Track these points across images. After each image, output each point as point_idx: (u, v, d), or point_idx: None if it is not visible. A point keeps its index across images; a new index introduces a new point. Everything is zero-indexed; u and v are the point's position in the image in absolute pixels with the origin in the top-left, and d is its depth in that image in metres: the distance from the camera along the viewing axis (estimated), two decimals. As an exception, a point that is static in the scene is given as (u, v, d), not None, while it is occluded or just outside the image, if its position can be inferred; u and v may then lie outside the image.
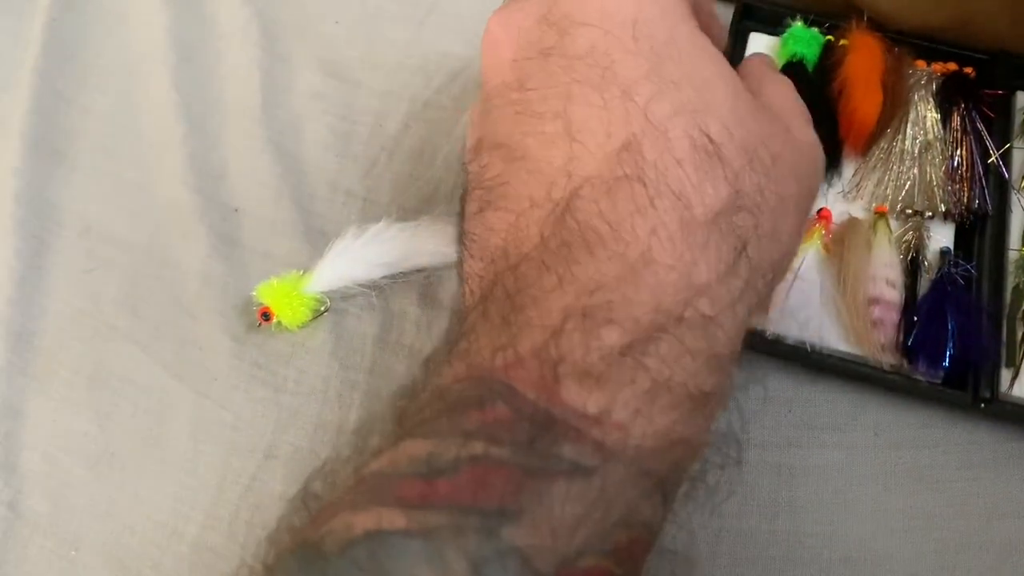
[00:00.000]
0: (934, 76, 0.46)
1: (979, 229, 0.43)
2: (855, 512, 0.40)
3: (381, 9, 0.56)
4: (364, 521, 0.23)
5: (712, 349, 0.27)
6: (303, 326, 0.45)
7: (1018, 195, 0.43)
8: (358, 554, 0.22)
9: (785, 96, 0.34)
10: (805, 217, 0.32)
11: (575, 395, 0.25)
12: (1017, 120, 0.45)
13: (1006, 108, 0.45)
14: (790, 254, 0.31)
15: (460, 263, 0.32)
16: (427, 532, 0.22)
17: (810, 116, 0.33)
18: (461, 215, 0.32)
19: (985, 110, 0.45)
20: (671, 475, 0.26)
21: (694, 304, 0.27)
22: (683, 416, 0.26)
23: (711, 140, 0.28)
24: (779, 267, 0.31)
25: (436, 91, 0.52)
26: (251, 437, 0.43)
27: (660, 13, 0.30)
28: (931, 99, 0.45)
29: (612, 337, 0.25)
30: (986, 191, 0.43)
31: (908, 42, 0.46)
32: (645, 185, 0.27)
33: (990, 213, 0.43)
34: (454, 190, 0.48)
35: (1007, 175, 0.44)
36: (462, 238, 0.32)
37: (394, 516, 0.23)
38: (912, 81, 0.46)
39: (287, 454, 0.42)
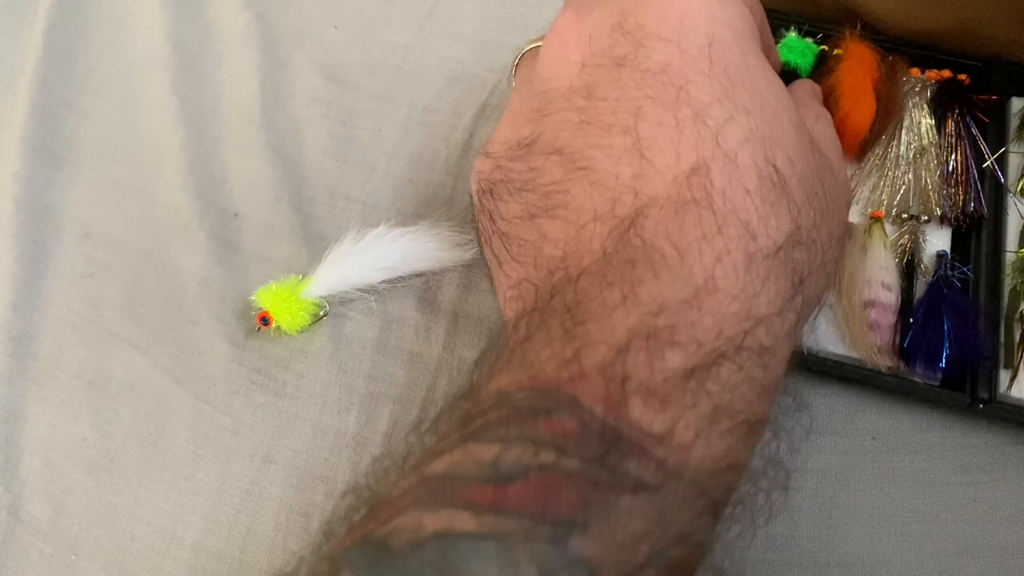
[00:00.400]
0: (928, 83, 0.46)
1: (975, 232, 0.43)
2: (853, 516, 0.40)
3: (380, 13, 0.56)
4: (434, 522, 0.23)
5: (766, 379, 0.27)
6: (302, 331, 0.45)
7: (1015, 198, 0.44)
8: (429, 554, 0.22)
9: (828, 132, 0.34)
10: (842, 253, 0.32)
11: (641, 414, 0.25)
12: (1013, 124, 0.45)
13: (1000, 113, 0.45)
14: (829, 288, 0.31)
15: (495, 263, 0.32)
16: (498, 537, 0.23)
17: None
18: (484, 212, 0.32)
19: (979, 115, 0.45)
20: (722, 498, 0.27)
21: (753, 334, 0.27)
22: (737, 442, 0.26)
23: (777, 171, 0.29)
24: (822, 299, 0.31)
25: (435, 96, 0.52)
26: (250, 442, 0.43)
27: (734, 38, 0.30)
28: (925, 106, 0.45)
29: (676, 360, 0.25)
30: (982, 195, 0.43)
31: (902, 50, 0.46)
32: (713, 212, 0.27)
33: (985, 216, 0.43)
34: (453, 195, 0.48)
35: (1003, 179, 0.44)
36: (499, 239, 0.31)
37: (464, 519, 0.23)
38: (906, 88, 0.46)
39: (286, 459, 0.42)
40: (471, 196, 0.35)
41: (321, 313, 0.45)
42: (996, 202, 0.43)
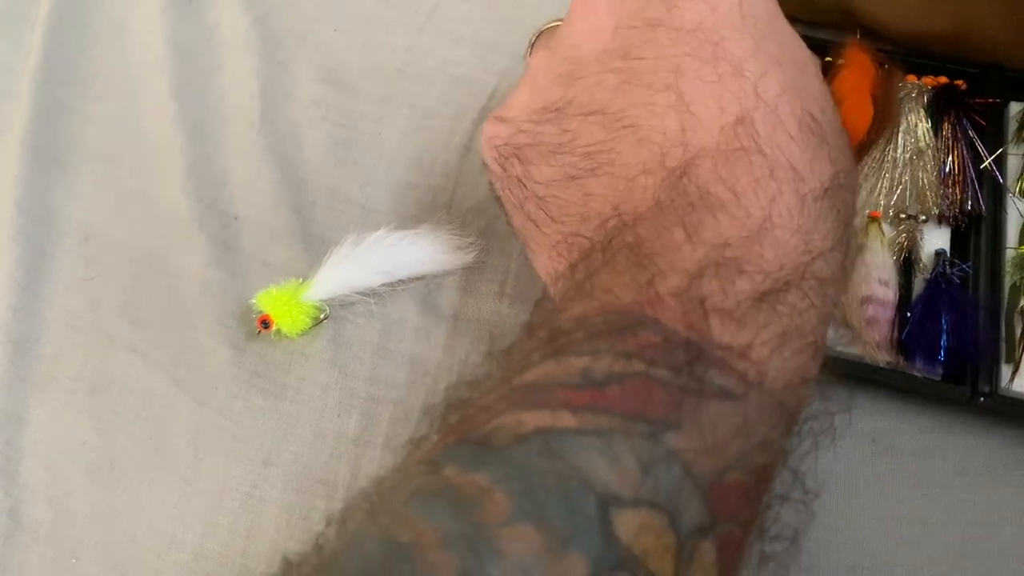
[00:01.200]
0: (925, 89, 0.46)
1: (974, 230, 0.43)
2: (854, 519, 0.40)
3: (380, 16, 0.56)
4: (534, 419, 0.24)
5: (825, 308, 0.29)
6: (302, 334, 0.45)
7: (1014, 197, 0.44)
8: (533, 445, 0.24)
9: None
10: None
11: (719, 331, 0.26)
12: (1011, 127, 0.45)
13: (998, 116, 0.46)
14: None
15: (531, 227, 0.33)
16: (598, 432, 0.24)
17: None
18: (512, 178, 0.33)
19: (976, 119, 0.45)
20: (796, 410, 0.28)
21: (812, 267, 0.28)
22: (808, 360, 0.28)
23: (814, 119, 0.30)
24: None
25: (435, 99, 0.52)
26: (251, 445, 0.43)
27: None
28: (922, 110, 0.46)
29: (746, 285, 0.27)
30: (980, 194, 0.44)
31: (899, 57, 0.46)
32: (764, 156, 0.29)
33: (984, 215, 0.43)
34: (453, 198, 0.48)
35: (1001, 179, 0.44)
36: (534, 203, 0.33)
37: (564, 417, 0.24)
38: (903, 94, 0.46)
39: (287, 462, 0.42)
40: (485, 162, 0.36)
41: (321, 316, 0.45)
42: (995, 201, 0.44)
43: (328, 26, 0.56)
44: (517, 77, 0.52)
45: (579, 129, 0.32)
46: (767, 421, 0.27)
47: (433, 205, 0.48)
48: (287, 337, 0.45)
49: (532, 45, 0.38)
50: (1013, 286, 0.42)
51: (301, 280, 0.45)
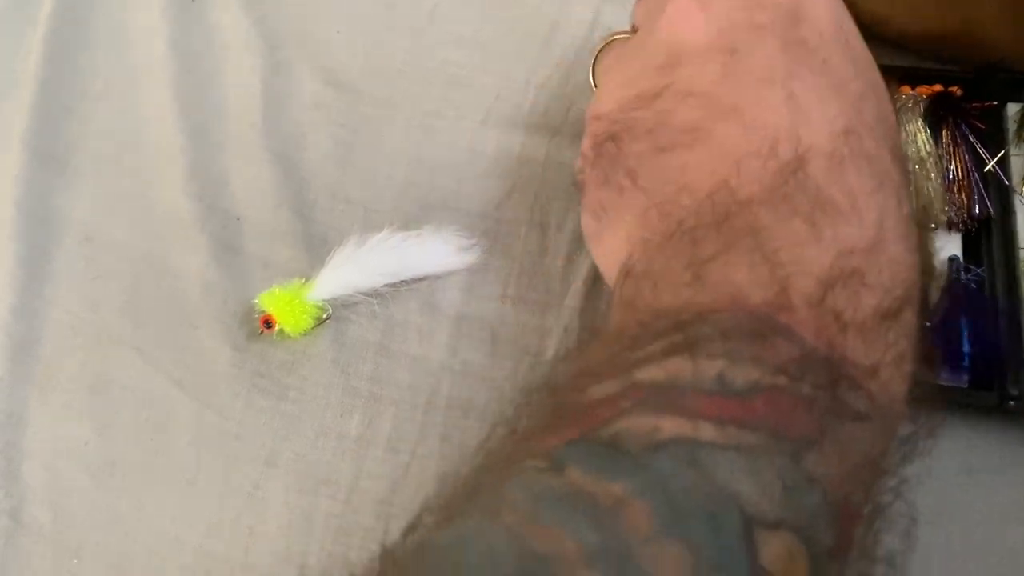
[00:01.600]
0: (920, 99, 0.46)
1: (985, 235, 0.44)
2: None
3: (381, 18, 0.56)
4: (671, 426, 0.23)
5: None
6: (305, 334, 0.45)
7: (1021, 198, 0.44)
8: (675, 455, 0.23)
9: None
10: None
11: (852, 349, 0.26)
12: (1011, 129, 0.45)
13: (997, 119, 0.46)
14: None
15: (614, 197, 0.33)
16: (742, 448, 0.23)
17: None
18: (604, 156, 0.34)
19: (975, 123, 0.45)
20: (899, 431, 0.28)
21: (919, 285, 0.29)
22: (911, 383, 0.28)
23: (899, 149, 0.31)
24: None
25: (437, 100, 0.52)
26: (253, 445, 0.43)
27: (848, 19, 0.33)
28: (919, 120, 0.46)
29: (872, 300, 0.27)
30: (987, 198, 0.44)
31: (891, 69, 0.46)
32: (873, 169, 0.29)
33: (992, 217, 0.43)
34: (456, 199, 0.48)
35: (1007, 180, 0.44)
36: (624, 173, 0.33)
37: (705, 427, 0.23)
38: (899, 105, 0.46)
39: (289, 462, 0.42)
40: (584, 153, 0.36)
41: (324, 316, 0.45)
42: (1003, 203, 0.44)
43: (329, 27, 0.56)
44: (517, 78, 0.52)
45: (674, 109, 0.32)
46: (886, 443, 0.26)
47: (436, 206, 0.48)
48: (289, 337, 0.44)
49: (597, 56, 0.39)
50: None
51: (303, 280, 0.45)
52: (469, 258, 0.46)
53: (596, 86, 0.38)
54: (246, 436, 0.43)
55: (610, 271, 0.34)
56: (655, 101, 0.32)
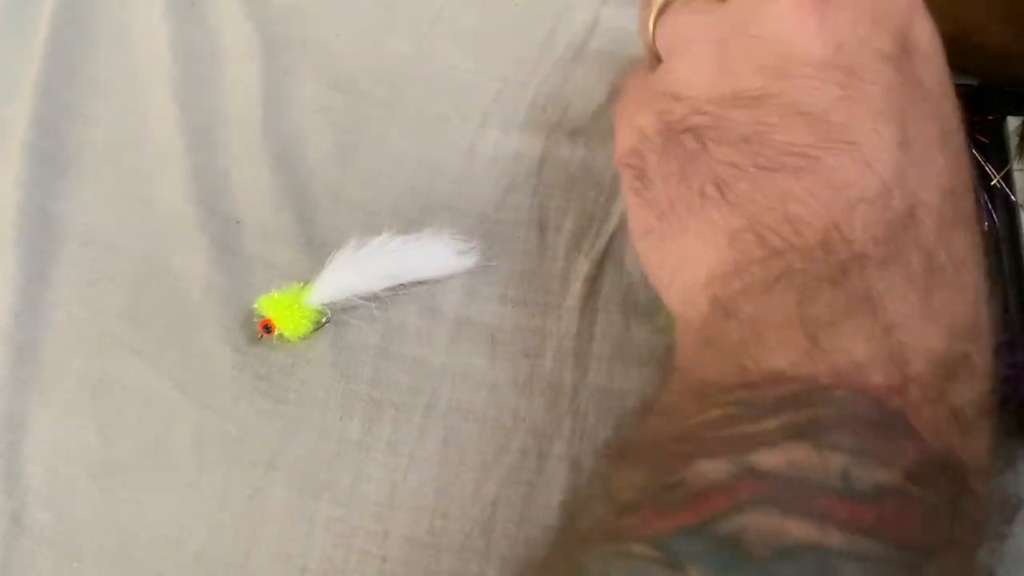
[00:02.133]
0: None
1: (994, 250, 0.43)
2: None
3: (383, 21, 0.56)
4: (798, 530, 0.22)
5: None
6: (304, 338, 0.45)
7: None
8: (803, 564, 0.21)
9: None
10: None
11: (963, 448, 0.25)
12: (1012, 143, 0.45)
13: (998, 132, 0.46)
14: None
15: (694, 206, 0.30)
16: (869, 559, 0.22)
17: None
18: (679, 149, 0.31)
19: (978, 137, 0.45)
20: None
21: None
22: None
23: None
24: None
25: (438, 103, 0.52)
26: (253, 448, 0.43)
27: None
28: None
29: (976, 389, 0.25)
30: (994, 213, 0.43)
31: None
32: (969, 233, 0.28)
33: (1000, 234, 0.43)
34: (456, 202, 0.49)
35: (1013, 196, 0.44)
36: (711, 181, 0.30)
37: (833, 533, 0.22)
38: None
39: (289, 465, 0.42)
40: (644, 133, 0.33)
41: (323, 320, 0.45)
42: (1009, 220, 0.43)
43: (331, 30, 0.56)
44: (516, 80, 0.53)
45: (781, 124, 0.29)
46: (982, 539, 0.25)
47: (436, 209, 0.48)
48: (289, 341, 0.45)
49: (655, 19, 0.35)
50: None
51: (303, 284, 0.45)
52: (468, 261, 0.46)
53: (659, 53, 0.35)
54: (247, 439, 0.43)
55: (674, 282, 0.31)
56: (756, 107, 0.29)
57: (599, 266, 0.46)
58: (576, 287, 0.45)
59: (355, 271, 0.44)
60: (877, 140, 0.28)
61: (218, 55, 0.55)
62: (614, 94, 0.51)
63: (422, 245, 0.45)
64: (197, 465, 0.43)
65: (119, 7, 0.58)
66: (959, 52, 0.46)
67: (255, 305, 0.44)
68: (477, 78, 0.53)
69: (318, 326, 0.45)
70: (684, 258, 0.31)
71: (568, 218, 0.48)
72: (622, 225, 0.47)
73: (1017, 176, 0.45)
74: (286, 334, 0.44)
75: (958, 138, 0.29)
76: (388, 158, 0.51)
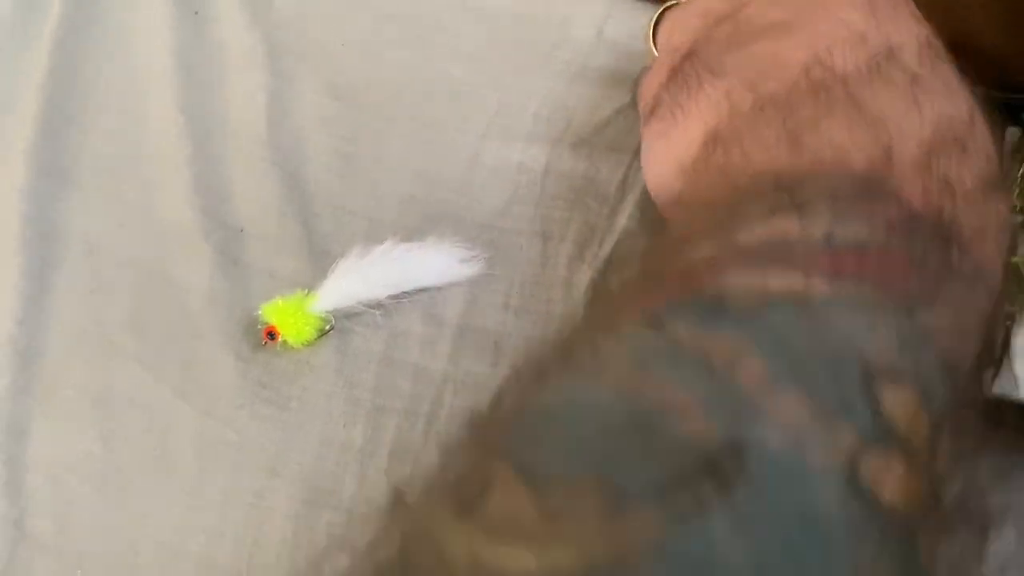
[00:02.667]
0: None
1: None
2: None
3: (384, 32, 0.56)
4: (782, 282, 0.23)
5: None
6: (308, 345, 0.45)
7: None
8: (787, 308, 0.22)
9: None
10: None
11: (959, 212, 0.26)
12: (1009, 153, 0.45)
13: (998, 143, 0.46)
14: None
15: (692, 86, 0.33)
16: (857, 302, 0.22)
17: None
18: (686, 61, 0.34)
19: None
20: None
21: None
22: (1004, 253, 0.28)
23: None
24: None
25: (439, 112, 0.53)
26: (256, 455, 0.43)
27: None
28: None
29: (973, 168, 0.27)
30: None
31: None
32: (952, 69, 0.30)
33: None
34: (458, 211, 0.49)
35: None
36: (702, 67, 0.33)
37: (817, 283, 0.23)
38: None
39: (292, 472, 0.42)
40: (660, 83, 0.36)
41: (327, 327, 0.45)
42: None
43: (334, 40, 0.56)
44: (519, 90, 0.53)
45: (758, 12, 0.32)
46: (989, 308, 0.26)
47: (438, 218, 0.48)
48: (292, 348, 0.45)
49: (655, 24, 0.40)
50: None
51: (306, 291, 0.45)
52: (471, 270, 0.46)
53: (656, 50, 0.39)
54: (249, 446, 0.43)
55: (674, 155, 0.33)
56: (736, 15, 0.33)
57: (601, 275, 0.46)
58: (578, 295, 0.46)
59: (359, 279, 0.45)
60: (845, 7, 0.31)
61: (221, 64, 0.56)
62: (618, 109, 0.51)
63: (425, 253, 0.45)
64: (199, 472, 0.43)
65: (122, 18, 0.58)
66: (957, 60, 0.47)
67: (259, 312, 0.44)
68: (480, 89, 0.53)
69: (322, 333, 0.45)
70: (684, 130, 0.33)
71: (571, 228, 0.48)
72: (625, 236, 0.47)
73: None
74: (290, 341, 0.44)
75: (921, 17, 0.32)
76: (391, 167, 0.51)
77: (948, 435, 0.23)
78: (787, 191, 0.25)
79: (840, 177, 0.26)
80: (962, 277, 0.25)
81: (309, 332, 0.44)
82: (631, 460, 0.20)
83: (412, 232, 0.47)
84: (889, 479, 0.21)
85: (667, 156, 0.34)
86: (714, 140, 0.31)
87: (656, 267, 0.25)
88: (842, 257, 0.23)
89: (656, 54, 0.39)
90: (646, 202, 0.46)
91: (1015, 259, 0.42)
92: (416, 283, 0.46)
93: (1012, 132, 0.45)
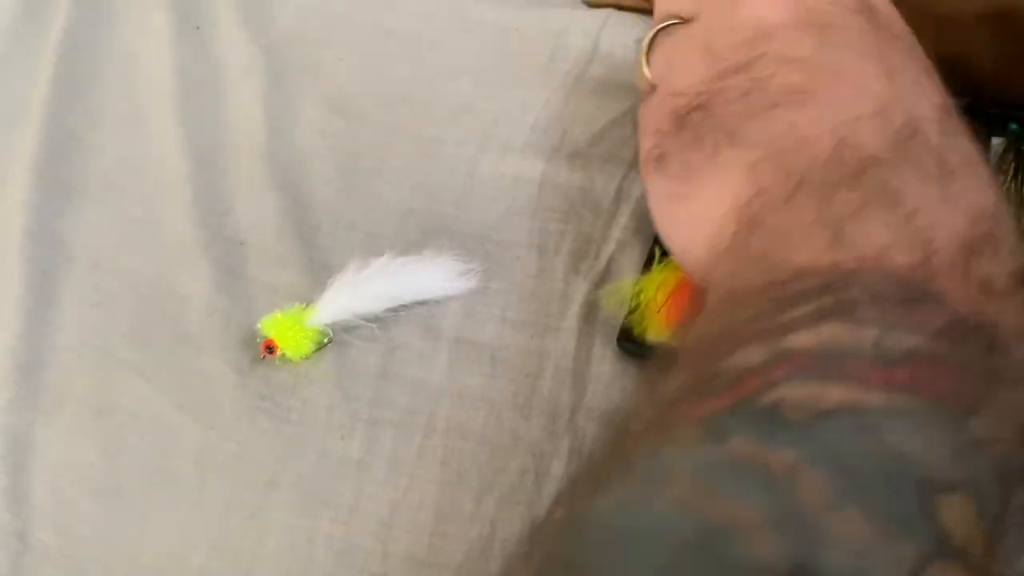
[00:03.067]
0: None
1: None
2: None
3: (383, 46, 0.57)
4: (837, 394, 0.23)
5: None
6: (306, 358, 0.45)
7: None
8: (842, 422, 0.22)
9: None
10: None
11: (1000, 313, 0.26)
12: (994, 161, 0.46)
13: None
14: None
15: (708, 154, 0.33)
16: (912, 414, 0.23)
17: None
18: (690, 122, 0.33)
19: None
20: None
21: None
22: None
23: None
24: None
25: (437, 127, 0.53)
26: (256, 467, 0.43)
27: None
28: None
29: (1006, 264, 0.27)
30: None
31: None
32: (964, 147, 0.30)
33: None
34: (456, 224, 0.49)
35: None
36: (722, 133, 0.32)
37: (868, 394, 0.23)
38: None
39: (291, 484, 0.43)
40: (659, 130, 0.36)
41: (325, 340, 0.45)
42: None
43: (333, 55, 0.57)
44: (516, 104, 0.53)
45: (774, 73, 0.32)
46: None
47: (436, 231, 0.49)
48: (291, 361, 0.45)
49: (649, 45, 0.38)
50: None
51: (305, 305, 0.45)
52: (468, 283, 0.46)
53: (650, 74, 0.38)
54: (248, 458, 0.44)
55: (701, 230, 0.33)
56: (748, 69, 0.32)
57: (597, 288, 0.46)
58: (575, 308, 0.46)
59: (356, 292, 0.45)
60: (864, 72, 0.31)
61: (222, 80, 0.56)
62: (613, 120, 0.52)
63: (422, 266, 0.46)
64: (199, 484, 0.43)
65: (125, 32, 0.59)
66: (947, 74, 0.47)
67: (258, 325, 0.45)
68: (477, 102, 0.54)
69: (320, 346, 0.45)
70: (707, 202, 0.33)
71: (567, 241, 0.48)
72: (620, 248, 0.47)
73: None
74: (288, 354, 0.45)
75: (934, 73, 0.32)
76: (389, 181, 0.51)
77: (1008, 537, 0.23)
78: (832, 293, 0.26)
79: (884, 279, 0.26)
80: (1007, 379, 0.25)
81: (307, 345, 0.45)
82: None
83: (410, 245, 0.48)
84: None
85: (693, 229, 0.34)
86: (749, 225, 0.30)
87: (706, 370, 0.25)
88: (894, 368, 0.23)
89: (649, 75, 0.38)
90: (641, 213, 0.47)
91: None
92: (413, 296, 0.46)
93: (997, 143, 0.46)
